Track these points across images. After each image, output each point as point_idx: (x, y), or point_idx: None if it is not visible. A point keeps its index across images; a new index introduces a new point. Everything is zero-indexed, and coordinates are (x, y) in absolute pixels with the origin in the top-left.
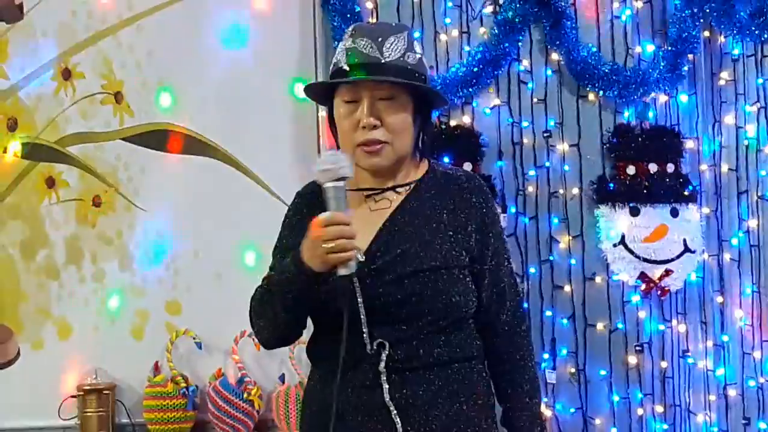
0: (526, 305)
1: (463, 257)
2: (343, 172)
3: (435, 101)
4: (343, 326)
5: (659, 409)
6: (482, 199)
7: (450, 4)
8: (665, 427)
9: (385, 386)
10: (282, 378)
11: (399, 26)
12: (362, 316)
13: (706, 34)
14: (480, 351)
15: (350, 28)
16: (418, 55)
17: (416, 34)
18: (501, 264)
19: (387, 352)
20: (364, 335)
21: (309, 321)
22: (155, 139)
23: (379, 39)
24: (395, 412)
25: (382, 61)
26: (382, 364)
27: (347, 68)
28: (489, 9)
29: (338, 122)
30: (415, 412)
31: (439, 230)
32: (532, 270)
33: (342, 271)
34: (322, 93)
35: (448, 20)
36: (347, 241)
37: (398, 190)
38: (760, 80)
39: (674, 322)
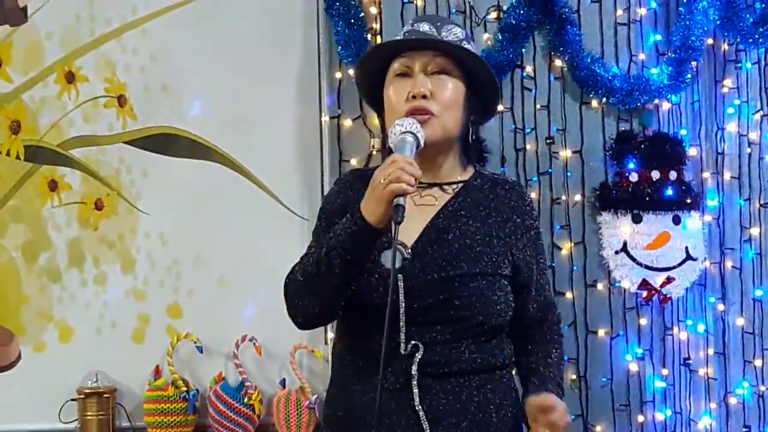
0: None
1: (506, 266)
2: (415, 129)
3: (487, 96)
4: (376, 325)
5: (660, 416)
6: (529, 209)
7: (454, 10)
8: None
9: (416, 390)
10: (283, 382)
11: (460, 24)
12: (401, 315)
13: (710, 41)
14: (511, 360)
15: (412, 18)
16: (475, 50)
17: None
18: (543, 276)
19: (420, 355)
20: (401, 335)
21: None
22: (158, 142)
23: (438, 24)
24: (424, 417)
25: (439, 39)
26: (415, 367)
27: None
28: (493, 15)
29: (387, 99)
30: (444, 420)
31: (486, 235)
32: None
33: (388, 260)
34: (373, 87)
35: None
36: (403, 172)
37: (444, 188)
38: (764, 88)
39: (675, 329)
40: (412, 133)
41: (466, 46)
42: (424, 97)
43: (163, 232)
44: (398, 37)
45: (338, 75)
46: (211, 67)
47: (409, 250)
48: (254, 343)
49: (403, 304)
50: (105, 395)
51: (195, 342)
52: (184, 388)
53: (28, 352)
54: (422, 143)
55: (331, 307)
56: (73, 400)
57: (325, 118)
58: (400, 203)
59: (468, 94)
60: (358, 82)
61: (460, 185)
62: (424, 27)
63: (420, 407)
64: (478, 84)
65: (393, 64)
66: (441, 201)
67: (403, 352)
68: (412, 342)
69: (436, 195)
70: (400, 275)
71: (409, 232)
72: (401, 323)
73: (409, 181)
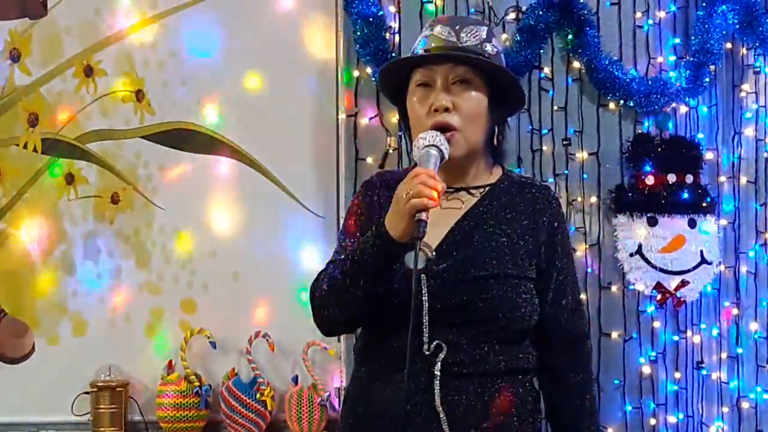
0: None
1: (530, 269)
2: (438, 142)
3: (511, 98)
4: (398, 325)
5: (672, 419)
6: (555, 212)
7: (473, 10)
8: None
9: (437, 390)
10: (295, 379)
11: (480, 21)
12: (425, 315)
13: (729, 45)
14: (534, 365)
15: (431, 20)
16: (497, 49)
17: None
18: (567, 282)
19: (444, 354)
20: (424, 335)
21: None
22: (175, 137)
23: (457, 27)
24: (444, 419)
25: (459, 45)
26: (438, 366)
27: (423, 53)
28: (512, 16)
29: (410, 109)
30: (464, 421)
31: (510, 238)
32: None
33: (411, 261)
34: (395, 88)
35: None
36: (424, 187)
37: (471, 191)
38: None
39: (689, 333)
40: (435, 146)
41: (487, 48)
42: (446, 110)
43: (179, 227)
44: (418, 41)
45: (356, 73)
46: (230, 63)
47: (434, 252)
48: (267, 339)
49: (427, 305)
50: (118, 389)
51: (208, 337)
52: (197, 383)
53: (42, 344)
54: (446, 156)
55: (357, 317)
56: (86, 393)
57: (342, 116)
58: (422, 218)
59: (491, 100)
60: (381, 88)
61: (487, 188)
62: (444, 31)
63: (440, 408)
64: (502, 87)
65: (414, 74)
66: (467, 204)
67: (426, 351)
68: (435, 342)
69: (462, 198)
70: (423, 275)
71: (434, 234)
72: (424, 323)
73: (430, 195)
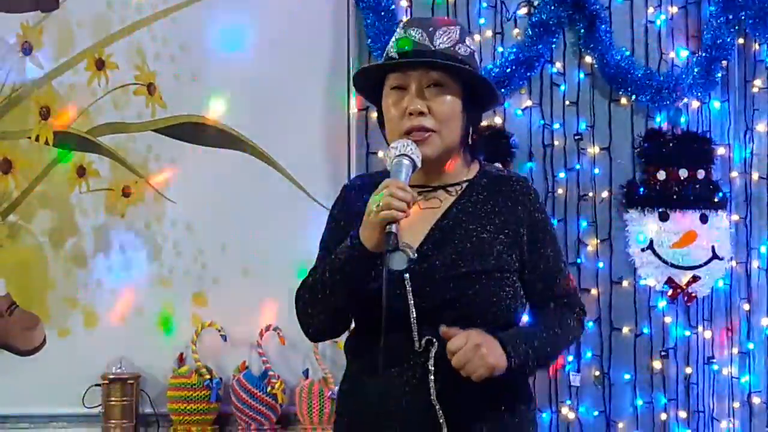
0: None
1: (513, 261)
2: (410, 151)
3: (486, 97)
4: (391, 323)
5: (683, 414)
6: (534, 203)
7: (485, 4)
8: None
9: (432, 385)
10: (306, 373)
11: (452, 20)
12: (412, 313)
13: (741, 41)
14: None
15: (404, 21)
16: (471, 49)
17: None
18: (554, 268)
19: (436, 349)
20: (414, 333)
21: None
22: (187, 131)
23: (431, 29)
24: (441, 412)
25: (432, 48)
26: (432, 361)
27: (396, 56)
28: (523, 10)
29: (386, 112)
30: (460, 415)
31: (491, 233)
32: None
33: (394, 262)
34: (371, 87)
35: (482, 21)
36: (393, 199)
37: (449, 189)
38: None
39: (700, 328)
40: (407, 155)
41: (460, 49)
42: (420, 113)
43: (190, 220)
44: (392, 42)
45: None
46: (241, 57)
47: (415, 252)
48: (278, 333)
49: (413, 304)
50: (129, 381)
51: (219, 330)
52: (208, 376)
53: (53, 337)
54: (419, 164)
55: (338, 322)
56: (97, 385)
57: (353, 110)
58: (392, 230)
59: (466, 101)
60: (357, 90)
61: (465, 185)
62: (417, 34)
63: (436, 401)
64: (476, 87)
65: (388, 77)
66: (446, 203)
67: (418, 349)
68: (426, 337)
69: (441, 197)
70: (407, 275)
71: (415, 234)
72: (413, 322)
73: (399, 207)
